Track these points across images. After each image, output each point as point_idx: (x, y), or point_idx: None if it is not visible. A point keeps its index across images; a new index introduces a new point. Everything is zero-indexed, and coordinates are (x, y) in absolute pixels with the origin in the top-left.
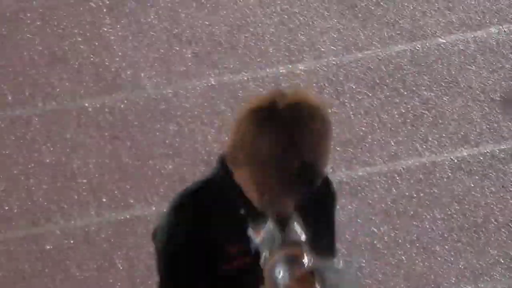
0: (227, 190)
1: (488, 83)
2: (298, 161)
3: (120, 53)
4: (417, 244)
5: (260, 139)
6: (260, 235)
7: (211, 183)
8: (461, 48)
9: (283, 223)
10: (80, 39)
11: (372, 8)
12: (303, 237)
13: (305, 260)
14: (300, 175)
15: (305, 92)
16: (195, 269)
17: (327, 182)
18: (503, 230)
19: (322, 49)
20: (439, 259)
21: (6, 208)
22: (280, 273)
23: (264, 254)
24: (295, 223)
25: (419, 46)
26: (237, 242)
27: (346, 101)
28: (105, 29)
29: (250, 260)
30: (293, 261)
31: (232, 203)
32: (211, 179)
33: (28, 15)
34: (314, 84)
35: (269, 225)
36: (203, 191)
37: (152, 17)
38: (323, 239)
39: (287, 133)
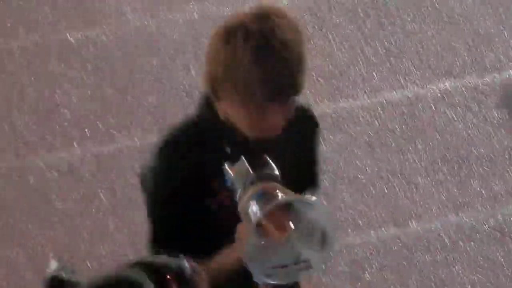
0: (212, 128)
1: (473, 16)
2: (277, 69)
3: None
4: (399, 176)
5: (234, 54)
6: (234, 170)
7: (195, 122)
8: None
9: (258, 157)
10: None
11: None
12: (276, 172)
13: (279, 195)
14: (281, 85)
15: (271, 4)
16: (184, 210)
17: (309, 114)
18: (484, 161)
19: None
20: (421, 190)
21: None
22: (254, 209)
23: (239, 190)
24: (269, 158)
25: None
26: (221, 176)
27: (329, 33)
28: None
29: (230, 197)
30: (266, 197)
31: (217, 141)
32: (195, 118)
33: None
34: (297, 16)
35: (243, 161)
36: (187, 131)
37: None
38: (307, 171)
39: (260, 45)
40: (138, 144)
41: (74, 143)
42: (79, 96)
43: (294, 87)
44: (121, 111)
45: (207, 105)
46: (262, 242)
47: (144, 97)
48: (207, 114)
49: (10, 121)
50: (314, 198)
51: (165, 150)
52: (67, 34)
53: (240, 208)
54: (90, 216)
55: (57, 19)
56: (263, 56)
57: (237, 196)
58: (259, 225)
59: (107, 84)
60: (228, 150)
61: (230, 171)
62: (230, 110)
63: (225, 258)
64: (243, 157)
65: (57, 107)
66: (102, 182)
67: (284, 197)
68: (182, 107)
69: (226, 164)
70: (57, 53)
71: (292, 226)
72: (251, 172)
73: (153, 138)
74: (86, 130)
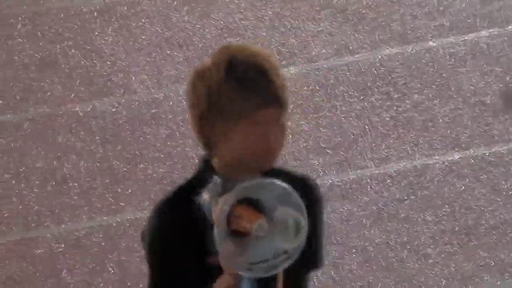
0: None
1: (478, 86)
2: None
3: (111, 57)
4: (408, 247)
5: (208, 82)
6: (209, 193)
7: (193, 183)
8: (452, 51)
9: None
10: (70, 43)
11: (363, 11)
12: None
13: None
14: (261, 90)
15: (247, 45)
16: (181, 266)
17: (313, 188)
18: (493, 232)
19: (313, 53)
20: (430, 261)
21: None
22: (223, 209)
23: (213, 206)
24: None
25: (410, 49)
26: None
27: (337, 104)
28: (96, 33)
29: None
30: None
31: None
32: (193, 179)
33: (19, 19)
34: (306, 88)
35: (216, 179)
36: (186, 189)
37: (143, 21)
38: (309, 246)
39: (230, 63)
40: (146, 215)
41: (82, 215)
42: (88, 168)
43: (275, 92)
44: (129, 183)
45: (205, 165)
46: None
47: (152, 168)
48: (204, 173)
49: (18, 193)
50: (272, 179)
51: (162, 209)
52: (76, 106)
53: (215, 220)
54: None
55: (65, 92)
56: (234, 69)
57: (212, 213)
58: (232, 229)
59: (115, 156)
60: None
61: (206, 197)
62: (224, 147)
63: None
64: (215, 177)
65: (65, 180)
66: (111, 254)
67: (243, 184)
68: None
69: (203, 192)
70: (65, 125)
71: (261, 216)
72: (220, 181)
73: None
74: (94, 202)
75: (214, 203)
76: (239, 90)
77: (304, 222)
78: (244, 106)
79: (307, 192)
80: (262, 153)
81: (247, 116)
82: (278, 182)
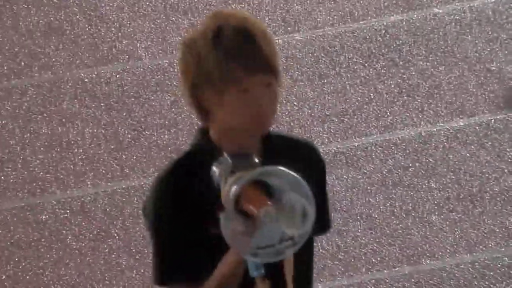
0: (208, 156)
1: (484, 53)
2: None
3: (116, 24)
4: (413, 214)
5: (197, 50)
6: (219, 168)
7: (193, 153)
8: (457, 18)
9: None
10: (76, 9)
11: None
12: (257, 161)
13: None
14: (247, 55)
15: (241, 12)
16: (184, 237)
17: (314, 151)
18: (498, 199)
19: (318, 19)
20: (435, 228)
21: (2, 178)
22: (233, 191)
23: (222, 184)
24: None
25: (415, 16)
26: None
27: (342, 71)
28: (101, 0)
29: None
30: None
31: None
32: (193, 149)
33: None
34: (310, 54)
35: (226, 157)
36: (185, 161)
37: None
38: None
39: (217, 30)
40: (150, 182)
41: (87, 181)
42: (93, 134)
43: (263, 59)
44: (134, 149)
45: (202, 135)
46: (244, 222)
47: (157, 135)
48: (202, 144)
49: (23, 159)
50: (286, 171)
51: (163, 181)
52: (81, 73)
53: (223, 199)
54: (103, 254)
55: (70, 58)
56: (222, 37)
57: (221, 191)
58: (239, 209)
59: (120, 122)
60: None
61: (216, 171)
62: (217, 115)
63: (223, 266)
64: (225, 154)
65: (70, 146)
66: (115, 220)
67: (256, 170)
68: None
69: (213, 165)
70: (70, 92)
71: (268, 201)
72: (231, 161)
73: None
74: (99, 168)
75: (224, 181)
76: (226, 57)
77: (312, 211)
78: (231, 73)
79: (310, 155)
80: (253, 120)
81: (235, 83)
82: (291, 171)
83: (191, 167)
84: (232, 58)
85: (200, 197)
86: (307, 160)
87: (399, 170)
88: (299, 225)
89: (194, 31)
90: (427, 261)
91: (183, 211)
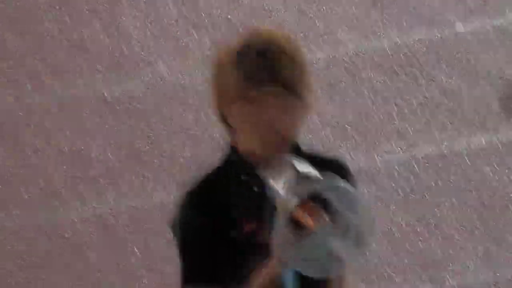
0: (237, 170)
1: (506, 70)
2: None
3: (138, 42)
4: (435, 232)
5: (223, 66)
6: (278, 181)
7: (221, 168)
8: (480, 36)
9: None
10: (98, 26)
11: None
12: (315, 171)
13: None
14: (265, 74)
15: (273, 29)
16: (211, 250)
17: (345, 166)
18: None
19: (340, 37)
20: (457, 246)
21: (25, 196)
22: (290, 203)
23: (281, 192)
24: (305, 163)
25: (438, 34)
26: (253, 219)
27: (364, 89)
28: (124, 18)
29: (264, 236)
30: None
31: (244, 182)
32: (221, 164)
33: (46, 5)
34: (332, 72)
35: (285, 167)
36: (214, 176)
37: (170, 4)
38: None
39: (243, 47)
40: (172, 198)
41: (109, 198)
42: (114, 150)
43: (276, 73)
44: (156, 166)
45: (231, 149)
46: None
47: (179, 151)
48: (231, 157)
49: (45, 175)
50: (349, 186)
51: (193, 195)
52: (102, 89)
53: (279, 208)
54: (124, 271)
55: (92, 74)
56: (244, 57)
57: (279, 201)
58: (294, 218)
59: (142, 140)
60: (256, 188)
61: (273, 182)
62: (239, 128)
63: (260, 274)
64: (285, 161)
65: (91, 162)
66: (136, 236)
67: (321, 183)
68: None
69: (269, 179)
70: (92, 108)
71: (325, 216)
72: (293, 170)
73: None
74: (120, 184)
75: (286, 192)
76: (243, 76)
77: (366, 235)
78: (246, 92)
79: (340, 172)
80: (268, 136)
81: (246, 97)
82: (356, 190)
83: (219, 180)
84: (248, 78)
85: (228, 210)
86: (339, 174)
87: (421, 188)
88: (351, 246)
89: (226, 48)
90: (450, 279)
91: (211, 224)
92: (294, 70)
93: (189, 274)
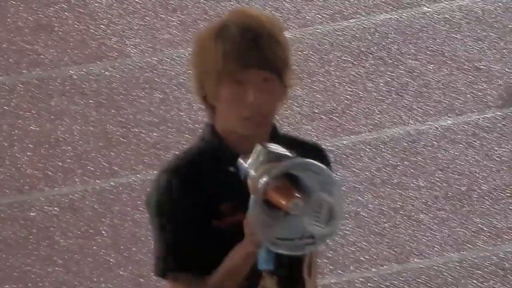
0: (214, 151)
1: (473, 52)
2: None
3: (105, 21)
4: (401, 212)
5: (206, 42)
6: (248, 159)
7: (199, 147)
8: (447, 16)
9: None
10: (65, 6)
11: None
12: (287, 152)
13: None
14: (248, 53)
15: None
16: (188, 229)
17: (325, 153)
18: (486, 198)
19: (308, 17)
20: (423, 227)
21: None
22: (263, 180)
23: (251, 172)
24: (277, 145)
25: (405, 15)
26: (229, 200)
27: (331, 69)
28: None
29: (241, 217)
30: (274, 171)
31: (221, 162)
32: (199, 144)
33: None
34: (299, 52)
35: (257, 146)
36: (191, 155)
37: None
38: None
39: (227, 23)
40: (140, 179)
41: (76, 179)
42: (81, 131)
43: (260, 54)
44: (123, 146)
45: (209, 129)
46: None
47: (146, 132)
48: (210, 138)
49: (12, 156)
50: (320, 166)
51: (171, 173)
52: (70, 70)
53: (250, 187)
54: (92, 252)
55: (59, 55)
56: (225, 33)
57: (249, 180)
58: (266, 199)
59: (109, 119)
60: (232, 169)
61: (243, 162)
62: (220, 106)
63: (235, 254)
64: (257, 144)
65: (59, 143)
66: (104, 217)
67: (292, 161)
68: (185, 143)
69: (240, 157)
70: (59, 89)
71: (297, 195)
72: (265, 150)
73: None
74: (88, 165)
75: (253, 171)
76: (224, 52)
77: (339, 213)
78: (226, 67)
79: (317, 156)
80: (247, 112)
81: (229, 76)
82: (327, 169)
83: (196, 161)
84: (229, 53)
85: (205, 190)
86: (318, 161)
87: (388, 169)
88: (323, 224)
89: (207, 27)
90: (415, 260)
91: (188, 204)
92: (277, 50)
93: (166, 257)
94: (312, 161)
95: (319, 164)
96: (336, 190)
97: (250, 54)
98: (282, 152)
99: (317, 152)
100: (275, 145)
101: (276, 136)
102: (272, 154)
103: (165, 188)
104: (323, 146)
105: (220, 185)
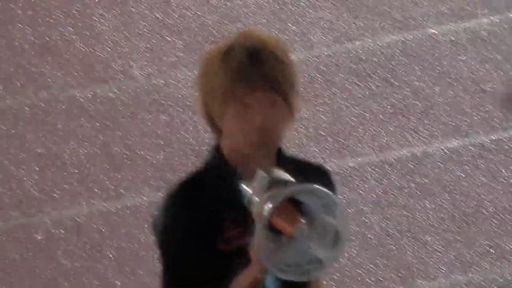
0: (221, 174)
1: (478, 74)
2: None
3: (111, 43)
4: (408, 235)
5: (211, 64)
6: (251, 185)
7: (205, 170)
8: (452, 38)
9: (268, 172)
10: (71, 29)
11: None
12: (289, 178)
13: (291, 190)
14: (254, 74)
15: (256, 29)
16: (193, 251)
17: (328, 174)
18: (492, 220)
19: (313, 40)
20: (429, 249)
21: None
22: (267, 207)
23: (255, 199)
24: (280, 171)
25: (410, 37)
26: (235, 223)
27: (337, 91)
28: (96, 19)
29: (247, 241)
30: (280, 195)
31: (226, 183)
32: (205, 167)
33: (19, 4)
34: (305, 74)
35: (260, 172)
36: (197, 178)
37: (143, 7)
38: None
39: (231, 47)
40: (146, 202)
41: (82, 201)
42: (87, 153)
43: (267, 77)
44: (129, 169)
45: (215, 152)
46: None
47: (151, 154)
48: (215, 160)
49: (18, 178)
50: (325, 191)
51: (176, 196)
52: (76, 92)
53: (256, 215)
54: (97, 274)
55: (65, 77)
56: (232, 55)
57: (253, 206)
58: (271, 225)
59: (115, 142)
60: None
61: (247, 188)
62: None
63: (242, 280)
64: (259, 170)
65: (65, 165)
66: (110, 239)
67: (290, 188)
68: (190, 165)
69: (242, 184)
70: (65, 111)
71: (302, 220)
72: (268, 177)
73: (161, 196)
74: (93, 187)
75: (257, 198)
76: (231, 75)
77: (345, 236)
78: (233, 89)
79: (322, 179)
80: (254, 135)
81: (237, 99)
82: (331, 193)
83: (202, 183)
84: (236, 76)
85: (210, 213)
86: (321, 182)
87: (394, 190)
88: (329, 248)
89: (215, 48)
90: (422, 282)
91: (194, 226)
92: (283, 71)
93: (171, 279)
94: (315, 185)
95: (323, 188)
96: (340, 212)
97: (256, 76)
98: (285, 178)
99: (322, 175)
100: (277, 170)
101: (282, 158)
102: (275, 180)
103: (171, 211)
104: (328, 168)
105: (225, 204)
